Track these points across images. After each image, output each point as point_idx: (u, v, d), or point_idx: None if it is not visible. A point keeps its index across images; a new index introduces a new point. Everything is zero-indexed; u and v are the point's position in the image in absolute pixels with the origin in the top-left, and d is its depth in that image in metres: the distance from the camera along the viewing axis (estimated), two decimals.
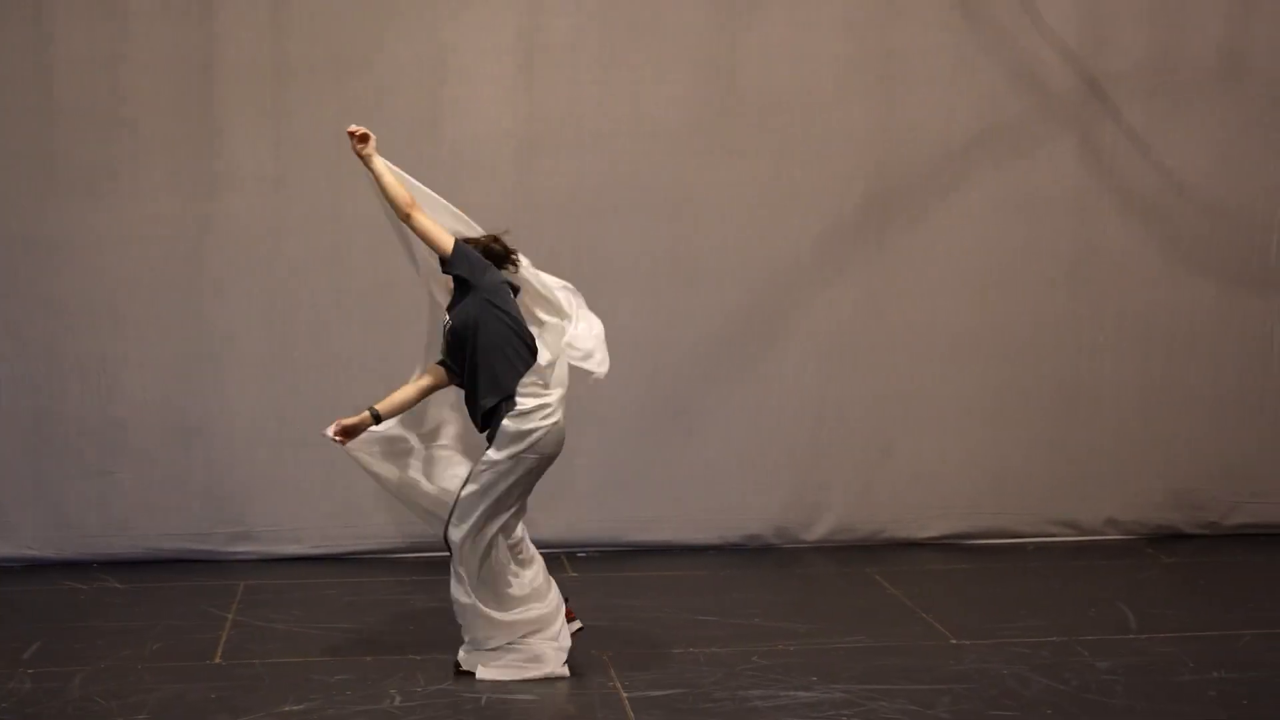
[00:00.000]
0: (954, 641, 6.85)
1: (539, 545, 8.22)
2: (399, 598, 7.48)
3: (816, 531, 8.51)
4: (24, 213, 7.86)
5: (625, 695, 6.14)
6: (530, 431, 6.12)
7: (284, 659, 6.58)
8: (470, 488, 6.17)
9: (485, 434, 6.24)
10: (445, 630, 6.89)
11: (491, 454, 6.15)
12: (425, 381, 6.36)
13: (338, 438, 6.30)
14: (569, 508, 8.30)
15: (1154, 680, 6.34)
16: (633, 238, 8.24)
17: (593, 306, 8.13)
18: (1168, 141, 8.50)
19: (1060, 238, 8.53)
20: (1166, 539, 8.67)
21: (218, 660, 6.58)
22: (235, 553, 7.98)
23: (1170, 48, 8.45)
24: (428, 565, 8.05)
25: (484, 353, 6.18)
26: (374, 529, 8.22)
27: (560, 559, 8.21)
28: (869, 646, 6.77)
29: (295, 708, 6.05)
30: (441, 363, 6.34)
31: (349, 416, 6.29)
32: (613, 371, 8.18)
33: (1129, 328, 8.62)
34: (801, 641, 6.83)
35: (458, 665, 6.37)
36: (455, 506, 6.21)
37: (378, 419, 6.31)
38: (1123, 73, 8.43)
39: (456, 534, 6.20)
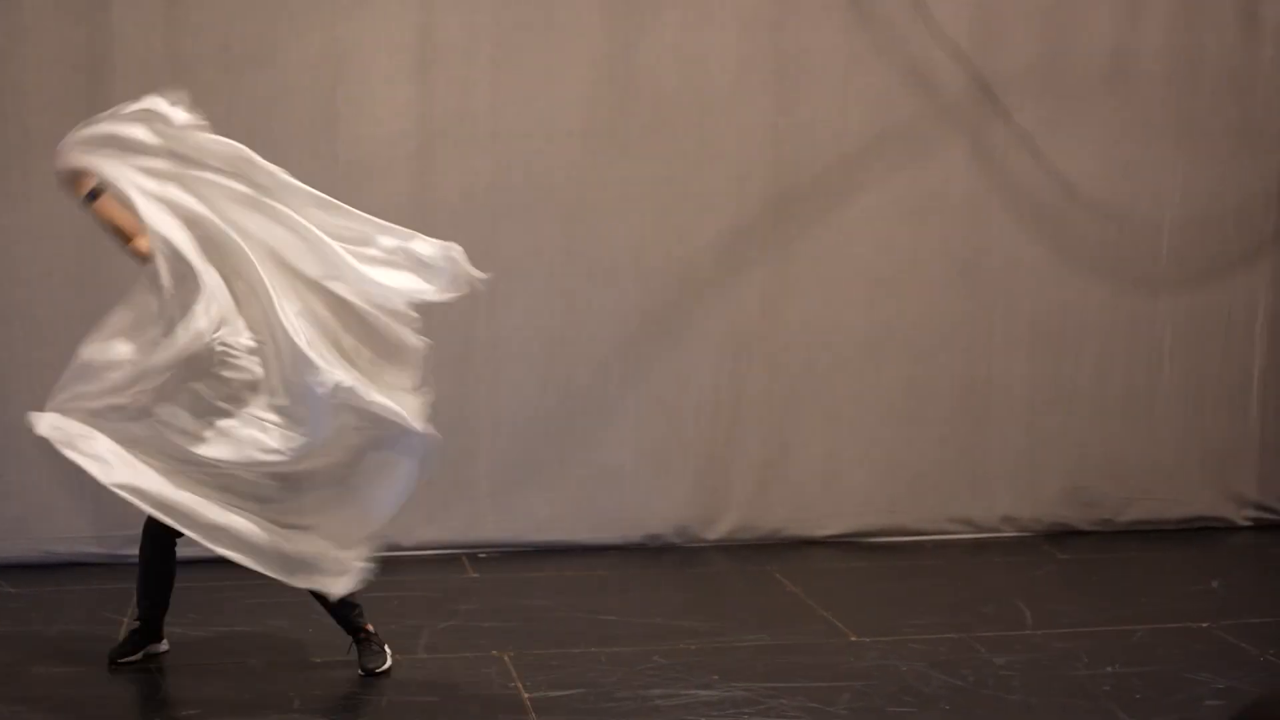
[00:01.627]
0: (853, 639, 6.91)
1: (440, 546, 8.29)
2: (297, 600, 7.33)
3: (717, 530, 8.54)
4: None
5: (526, 696, 6.14)
6: None
7: (180, 662, 6.51)
8: None
9: None
10: (343, 633, 6.85)
11: None
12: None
13: None
14: (468, 508, 8.28)
15: (1050, 675, 6.43)
16: (529, 237, 8.22)
17: (489, 308, 8.19)
18: (1058, 143, 8.60)
19: (953, 239, 8.62)
20: (1062, 535, 8.78)
21: (114, 667, 6.48)
22: (131, 556, 7.82)
23: (1060, 50, 8.57)
24: None
25: None
26: None
27: (460, 559, 8.19)
28: (770, 644, 6.82)
29: (190, 713, 5.99)
30: None
31: None
32: (511, 370, 8.24)
33: (1021, 328, 8.73)
34: (703, 640, 6.86)
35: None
36: None
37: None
38: (1013, 74, 8.53)
39: None
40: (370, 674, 6.39)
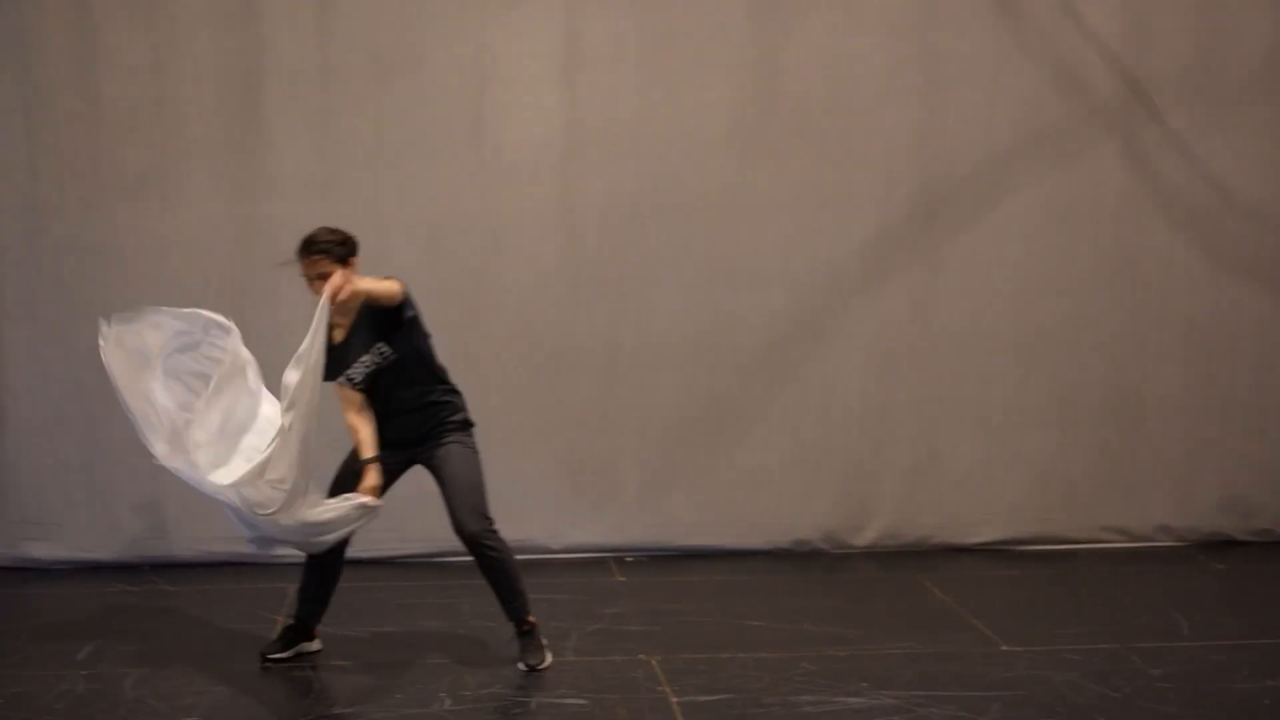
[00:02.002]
0: (1004, 647, 6.81)
1: (586, 550, 8.31)
2: (447, 601, 7.48)
3: (865, 537, 8.48)
4: (71, 218, 7.89)
5: (675, 700, 6.12)
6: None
7: (333, 661, 6.59)
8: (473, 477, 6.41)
9: (420, 436, 6.46)
10: (495, 634, 6.91)
11: (462, 443, 6.47)
12: (365, 409, 6.47)
13: (374, 502, 6.36)
14: (615, 512, 8.30)
15: (1207, 688, 6.29)
16: (674, 242, 8.22)
17: (636, 313, 8.21)
18: (1212, 146, 8.44)
19: (1105, 242, 8.48)
20: (1219, 545, 8.61)
21: (269, 663, 6.59)
22: (283, 556, 7.94)
23: (1215, 50, 8.39)
24: (472, 569, 8.02)
25: (421, 375, 6.46)
26: (420, 533, 8.19)
27: (607, 563, 8.21)
28: (919, 652, 6.74)
29: (345, 710, 6.06)
30: (358, 387, 6.43)
31: (367, 483, 6.36)
32: (659, 376, 8.25)
33: (1174, 333, 8.56)
34: (851, 647, 6.80)
35: None
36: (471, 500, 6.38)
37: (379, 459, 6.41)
38: (1167, 76, 8.38)
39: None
40: (531, 669, 6.46)
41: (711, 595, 7.65)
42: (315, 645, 6.73)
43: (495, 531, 6.50)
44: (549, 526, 8.27)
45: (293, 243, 7.85)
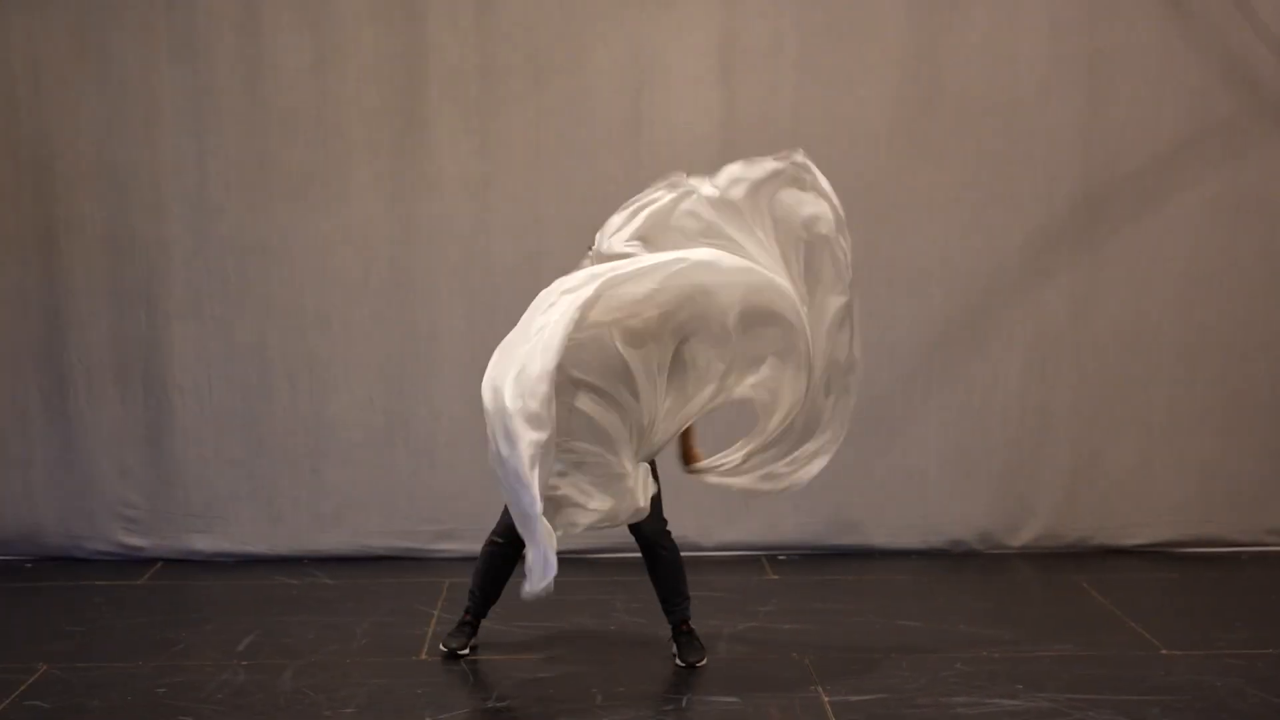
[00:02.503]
0: (1164, 652, 6.68)
1: (740, 547, 8.31)
2: (599, 598, 7.52)
3: (1022, 537, 8.36)
4: (234, 217, 8.06)
5: (827, 699, 6.10)
6: None
7: (487, 656, 6.66)
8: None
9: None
10: (646, 630, 6.94)
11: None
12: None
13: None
14: (768, 510, 8.27)
15: None
16: None
17: None
18: None
19: (1272, 240, 8.27)
20: None
21: (424, 656, 6.68)
22: (440, 550, 8.09)
23: None
24: (627, 565, 8.08)
25: None
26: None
27: (760, 561, 8.20)
28: (1075, 655, 6.64)
29: (499, 704, 6.13)
30: None
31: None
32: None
33: None
34: (1006, 649, 6.72)
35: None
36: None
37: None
38: None
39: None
40: (690, 666, 6.49)
41: (865, 595, 7.61)
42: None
43: (669, 532, 6.55)
44: (702, 524, 8.27)
45: (451, 240, 8.04)
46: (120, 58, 8.02)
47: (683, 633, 6.60)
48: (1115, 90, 8.14)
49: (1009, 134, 8.15)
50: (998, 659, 6.58)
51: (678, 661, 6.55)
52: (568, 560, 8.11)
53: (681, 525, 8.13)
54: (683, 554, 7.79)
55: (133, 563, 8.20)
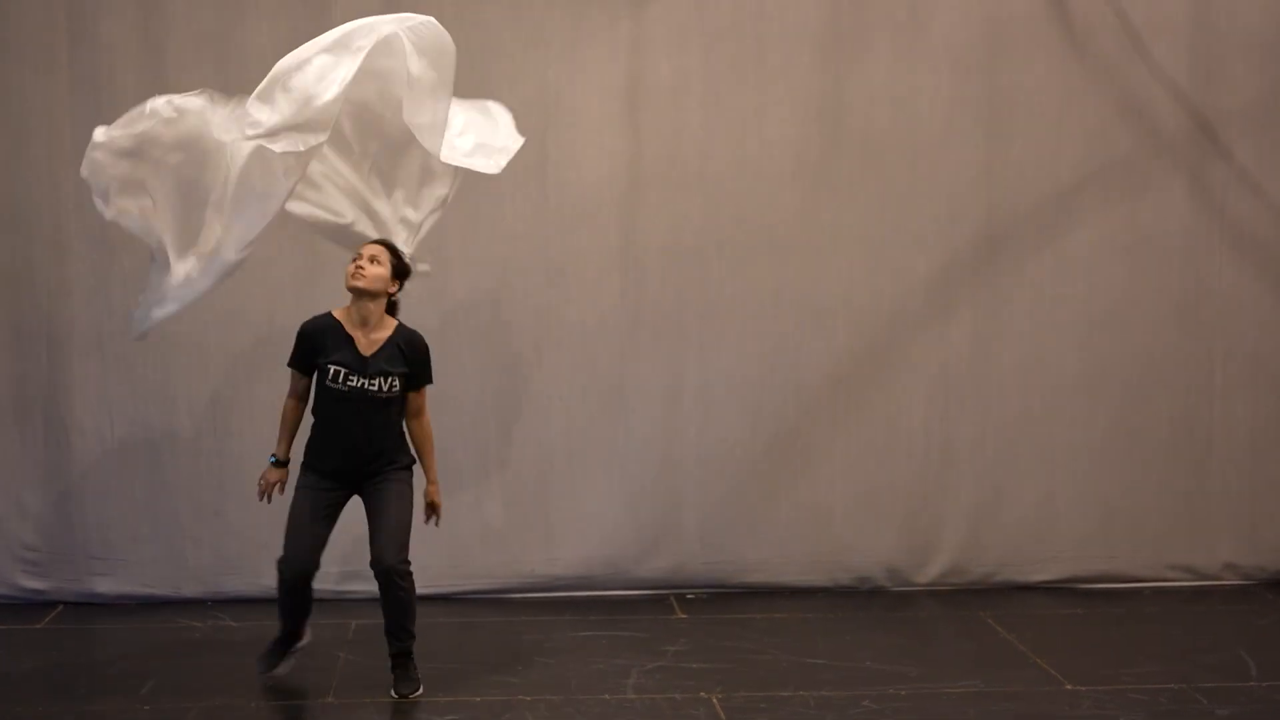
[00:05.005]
0: (1069, 687, 6.74)
1: (648, 585, 8.29)
2: (507, 638, 7.49)
3: (928, 574, 8.42)
4: (138, 253, 7.83)
5: None
6: None
7: (392, 699, 6.59)
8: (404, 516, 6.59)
9: (368, 472, 6.62)
10: (554, 671, 6.91)
11: (404, 483, 6.66)
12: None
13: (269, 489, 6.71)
14: (676, 549, 8.28)
15: None
16: (739, 278, 8.23)
17: (698, 348, 8.21)
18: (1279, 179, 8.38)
19: (1170, 278, 8.42)
20: None
21: (330, 699, 6.62)
22: (346, 591, 8.01)
23: None
24: (536, 605, 8.07)
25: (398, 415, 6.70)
26: (481, 568, 8.24)
27: (668, 600, 8.19)
28: (983, 691, 6.68)
29: None
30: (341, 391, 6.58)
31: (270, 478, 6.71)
32: (721, 412, 8.24)
33: (1243, 370, 8.48)
34: (914, 686, 6.75)
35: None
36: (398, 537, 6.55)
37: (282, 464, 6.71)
38: (1234, 110, 8.33)
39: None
40: (404, 698, 6.58)
41: (773, 632, 7.62)
42: (306, 639, 6.92)
43: (410, 572, 6.61)
44: (610, 563, 8.27)
45: None
46: (20, 92, 7.93)
47: (399, 665, 6.67)
48: (1015, 129, 8.27)
49: (912, 173, 8.24)
50: (905, 695, 6.61)
51: (393, 693, 6.60)
52: (472, 600, 8.14)
53: (590, 564, 8.21)
54: (591, 593, 7.84)
55: (33, 605, 8.05)
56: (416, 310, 8.01)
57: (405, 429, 6.71)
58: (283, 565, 6.60)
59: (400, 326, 6.68)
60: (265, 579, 7.93)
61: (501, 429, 8.21)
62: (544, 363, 8.19)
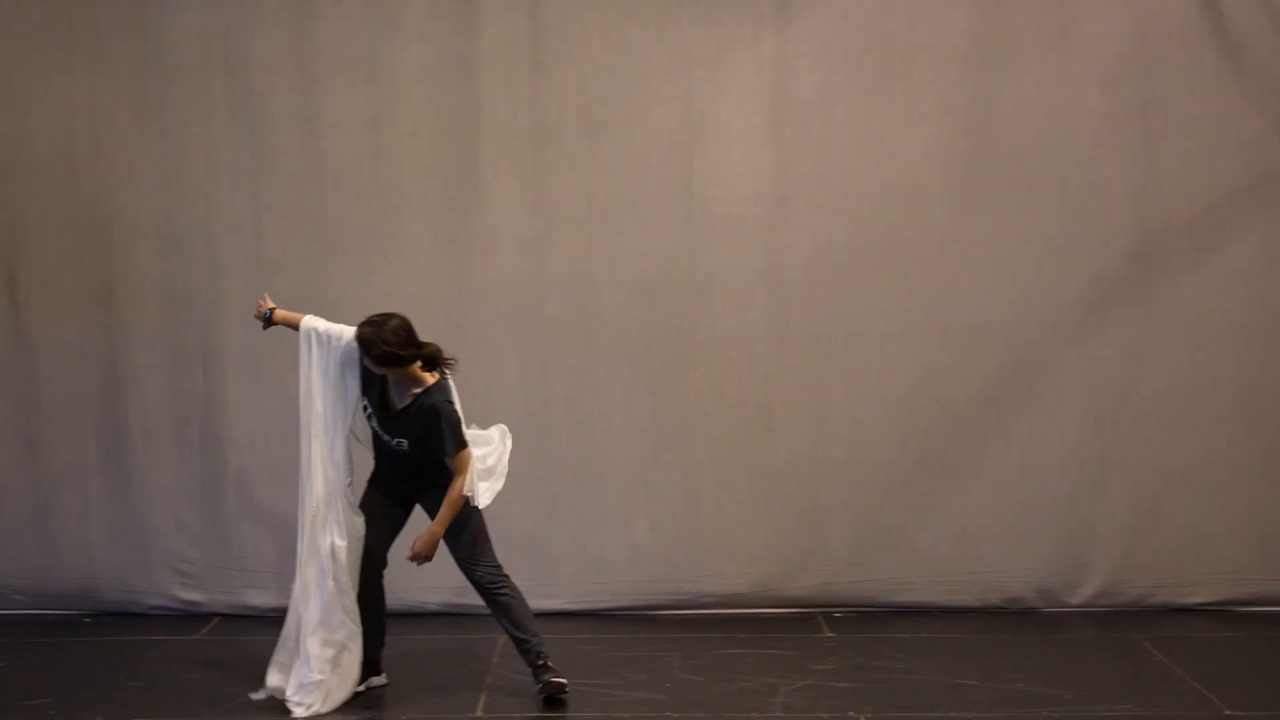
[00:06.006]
0: (1228, 712, 6.58)
1: (796, 604, 8.26)
2: (655, 655, 7.49)
3: (1080, 595, 8.27)
4: (291, 273, 8.10)
5: None
6: None
7: (541, 713, 6.63)
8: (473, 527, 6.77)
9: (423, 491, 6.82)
10: (702, 688, 6.91)
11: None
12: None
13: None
14: (824, 568, 8.24)
15: None
16: (884, 297, 8.17)
17: (845, 367, 8.16)
18: None
19: None
20: None
21: (479, 713, 6.66)
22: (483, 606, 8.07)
23: None
24: (683, 622, 8.06)
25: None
26: (627, 586, 8.26)
27: (816, 619, 8.15)
28: (1137, 715, 6.55)
29: None
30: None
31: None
32: (869, 431, 8.18)
33: None
34: (1066, 709, 6.64)
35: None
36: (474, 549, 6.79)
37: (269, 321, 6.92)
38: None
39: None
40: (552, 697, 6.69)
41: (922, 652, 7.54)
42: (382, 679, 6.99)
43: (504, 576, 6.84)
44: (757, 581, 8.24)
45: (506, 296, 8.07)
46: (179, 117, 8.12)
47: (536, 670, 6.76)
48: (1169, 142, 8.12)
49: (1063, 187, 8.13)
50: (1058, 718, 6.50)
51: (538, 693, 6.70)
52: (618, 617, 8.15)
53: (736, 582, 8.20)
54: (738, 610, 7.84)
55: (190, 617, 8.24)
56: (563, 329, 8.11)
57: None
58: None
59: (426, 391, 6.66)
60: (414, 594, 8.03)
61: (647, 447, 8.22)
62: (689, 380, 8.20)
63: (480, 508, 6.74)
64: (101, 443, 8.28)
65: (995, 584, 8.26)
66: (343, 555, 6.65)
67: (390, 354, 6.51)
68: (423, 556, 6.70)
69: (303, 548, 6.71)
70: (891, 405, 8.18)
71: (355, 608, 6.69)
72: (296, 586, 6.75)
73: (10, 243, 8.22)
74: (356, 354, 6.65)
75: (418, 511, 6.88)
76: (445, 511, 6.63)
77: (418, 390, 6.66)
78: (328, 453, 6.68)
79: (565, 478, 8.23)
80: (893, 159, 8.13)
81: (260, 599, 8.23)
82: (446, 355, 6.66)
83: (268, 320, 6.86)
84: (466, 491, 6.64)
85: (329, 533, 6.65)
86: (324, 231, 8.14)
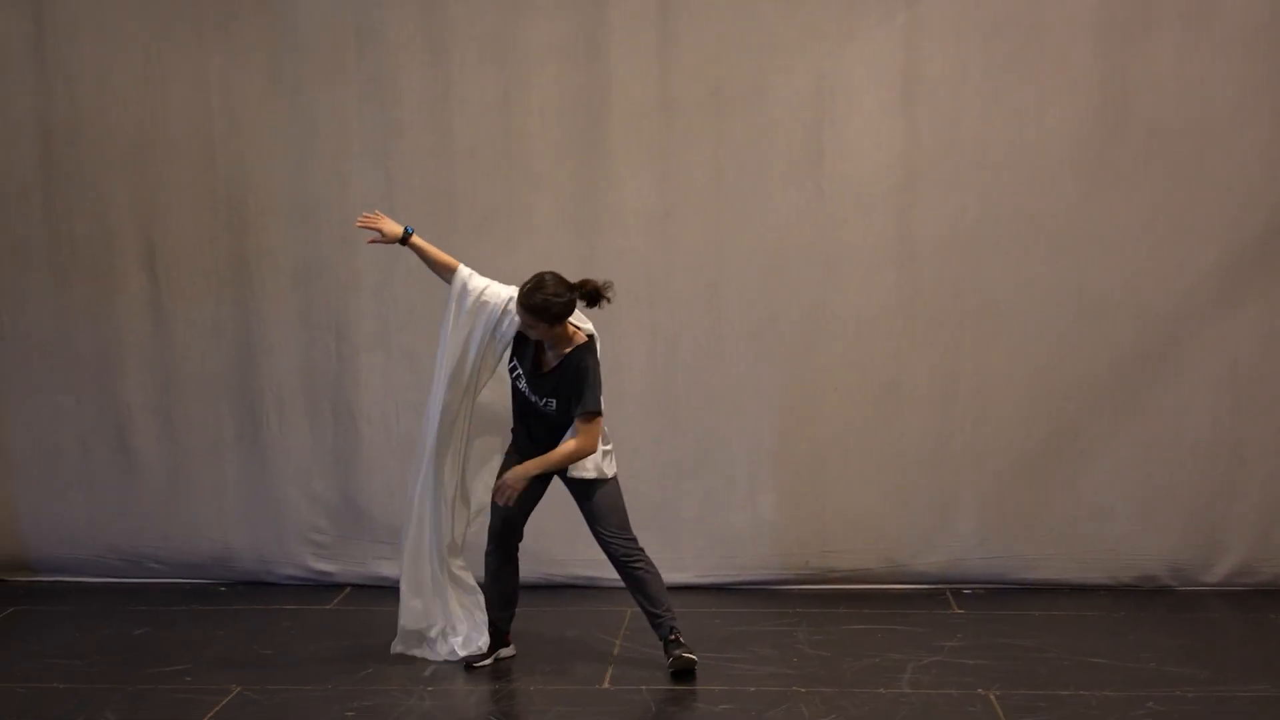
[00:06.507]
0: None
1: (925, 581, 8.21)
2: (782, 629, 7.49)
3: (1216, 574, 8.14)
4: None
5: None
6: None
7: (668, 686, 6.66)
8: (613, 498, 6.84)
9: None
10: (829, 663, 6.90)
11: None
12: (447, 271, 6.93)
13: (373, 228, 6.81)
14: (953, 545, 8.18)
15: None
16: (1017, 272, 8.07)
17: (975, 342, 8.08)
18: None
19: None
20: None
21: (606, 685, 6.71)
22: (621, 581, 8.11)
23: None
24: (809, 598, 8.05)
25: None
26: (754, 560, 8.26)
27: (945, 595, 8.10)
28: (1274, 696, 6.44)
29: None
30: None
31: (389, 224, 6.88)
32: (999, 408, 8.11)
33: None
34: (1202, 688, 6.54)
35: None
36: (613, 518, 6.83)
37: (405, 238, 6.86)
38: None
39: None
40: (681, 672, 6.72)
41: (1052, 630, 7.47)
42: (510, 650, 7.05)
43: (639, 549, 6.87)
44: (885, 557, 8.21)
45: (634, 272, 8.08)
46: (311, 95, 8.22)
47: (668, 645, 6.78)
48: None
49: (1199, 160, 7.98)
50: (1192, 698, 6.41)
51: (668, 667, 6.72)
52: (746, 591, 8.16)
53: (864, 558, 8.16)
54: (866, 586, 7.81)
55: (322, 587, 8.37)
56: (689, 306, 8.12)
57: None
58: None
59: (577, 350, 6.71)
60: (543, 566, 8.09)
61: (774, 422, 8.21)
62: (817, 356, 8.17)
63: (614, 478, 6.78)
64: (236, 416, 8.43)
65: (1127, 561, 8.16)
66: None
67: (565, 304, 6.59)
68: (508, 488, 6.66)
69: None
70: (1022, 381, 8.09)
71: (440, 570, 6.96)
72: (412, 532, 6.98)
73: (148, 220, 8.38)
74: (504, 316, 6.71)
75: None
76: (545, 459, 6.68)
77: (568, 350, 6.70)
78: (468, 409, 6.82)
79: (692, 452, 8.25)
80: (1025, 133, 8.02)
81: (390, 570, 8.29)
82: (601, 283, 6.71)
83: (404, 239, 6.80)
84: (592, 467, 6.68)
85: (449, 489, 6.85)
86: (453, 208, 8.21)
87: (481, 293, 6.83)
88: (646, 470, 8.07)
